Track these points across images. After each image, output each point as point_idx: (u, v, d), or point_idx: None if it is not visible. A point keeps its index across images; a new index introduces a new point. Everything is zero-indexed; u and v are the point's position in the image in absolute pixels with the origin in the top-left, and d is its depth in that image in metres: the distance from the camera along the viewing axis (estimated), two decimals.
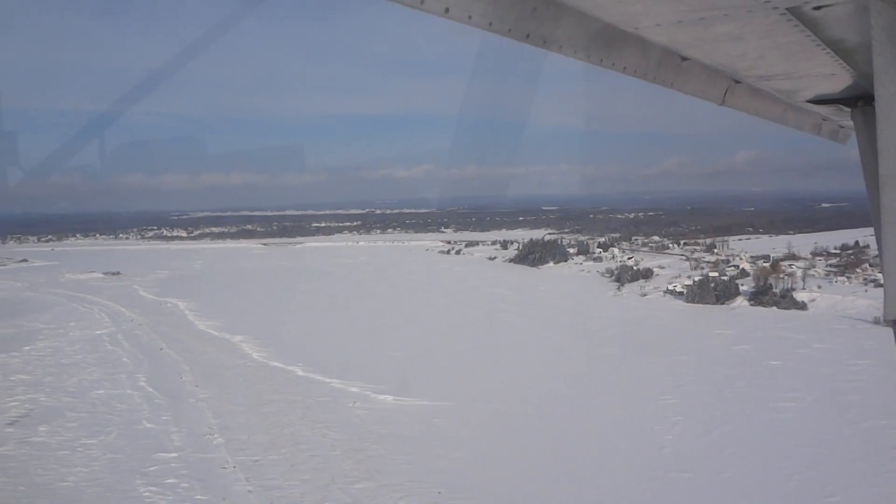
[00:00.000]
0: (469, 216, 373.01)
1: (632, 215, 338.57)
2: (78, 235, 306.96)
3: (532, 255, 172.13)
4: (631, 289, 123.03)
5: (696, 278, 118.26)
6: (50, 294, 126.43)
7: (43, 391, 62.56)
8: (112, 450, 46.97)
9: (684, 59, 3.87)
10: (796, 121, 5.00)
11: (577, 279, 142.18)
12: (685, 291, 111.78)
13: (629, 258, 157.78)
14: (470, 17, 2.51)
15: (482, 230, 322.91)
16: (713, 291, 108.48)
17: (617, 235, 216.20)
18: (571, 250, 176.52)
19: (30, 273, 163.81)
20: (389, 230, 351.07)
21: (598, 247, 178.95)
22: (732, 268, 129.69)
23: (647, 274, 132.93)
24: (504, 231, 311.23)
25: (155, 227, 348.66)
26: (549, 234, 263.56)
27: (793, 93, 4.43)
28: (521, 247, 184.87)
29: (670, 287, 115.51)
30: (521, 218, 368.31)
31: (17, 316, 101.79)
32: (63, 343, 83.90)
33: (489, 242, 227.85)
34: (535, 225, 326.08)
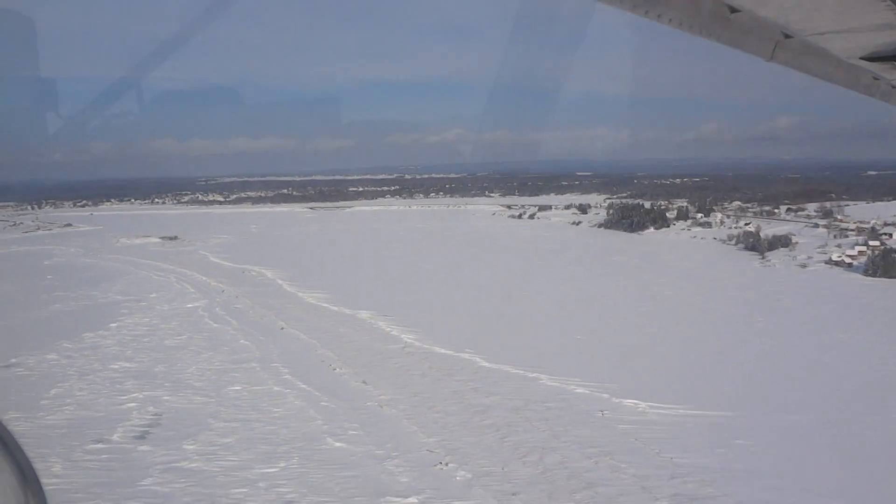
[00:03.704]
0: (505, 181, 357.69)
1: (677, 181, 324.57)
2: (113, 200, 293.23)
3: (627, 220, 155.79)
4: (776, 259, 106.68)
5: (859, 249, 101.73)
6: (111, 261, 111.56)
7: (161, 386, 47.41)
8: (313, 490, 31.64)
9: (734, 10, 3.62)
10: (847, 79, 4.28)
11: (695, 246, 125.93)
12: (855, 263, 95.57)
13: (746, 224, 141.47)
14: None
15: (530, 194, 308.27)
16: None
17: (684, 202, 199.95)
18: (670, 215, 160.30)
19: (80, 238, 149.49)
20: (432, 194, 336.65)
21: (697, 212, 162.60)
22: (885, 236, 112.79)
23: (785, 242, 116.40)
24: (552, 196, 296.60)
25: (189, 192, 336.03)
26: (607, 198, 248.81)
27: (846, 48, 3.93)
28: (611, 211, 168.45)
29: (835, 258, 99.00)
30: (563, 183, 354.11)
31: (87, 286, 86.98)
32: (154, 319, 68.85)
33: (561, 206, 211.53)
34: (580, 190, 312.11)
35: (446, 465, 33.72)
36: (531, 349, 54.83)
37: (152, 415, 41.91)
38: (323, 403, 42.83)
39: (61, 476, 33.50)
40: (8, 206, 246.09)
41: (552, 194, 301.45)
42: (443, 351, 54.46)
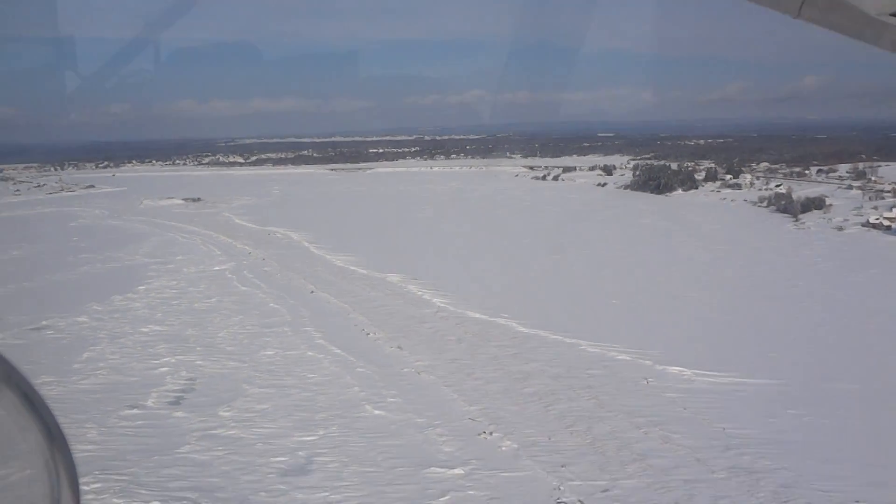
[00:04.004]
0: (526, 142, 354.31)
1: (701, 142, 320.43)
2: (134, 161, 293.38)
3: (654, 182, 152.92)
4: (811, 221, 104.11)
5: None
6: (136, 222, 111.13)
7: (193, 350, 46.66)
8: (355, 459, 30.71)
9: None
10: (876, 37, 3.79)
11: (725, 209, 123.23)
12: (893, 226, 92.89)
13: (777, 186, 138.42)
14: None
15: (552, 156, 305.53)
16: None
17: (710, 162, 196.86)
18: (697, 177, 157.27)
19: (103, 199, 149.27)
20: (453, 156, 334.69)
21: (726, 173, 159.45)
22: None
23: (819, 204, 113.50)
24: (575, 157, 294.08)
25: (209, 154, 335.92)
26: (630, 160, 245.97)
27: (875, 5, 3.58)
28: (638, 172, 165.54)
29: (872, 220, 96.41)
30: (585, 144, 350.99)
31: (113, 247, 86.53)
32: (182, 282, 68.18)
33: (585, 168, 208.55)
34: (603, 151, 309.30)
35: (490, 434, 32.65)
36: (567, 314, 53.57)
37: (186, 380, 41.16)
38: (359, 369, 41.84)
39: (97, 442, 32.84)
40: (31, 167, 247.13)
41: (574, 155, 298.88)
42: (477, 315, 53.25)
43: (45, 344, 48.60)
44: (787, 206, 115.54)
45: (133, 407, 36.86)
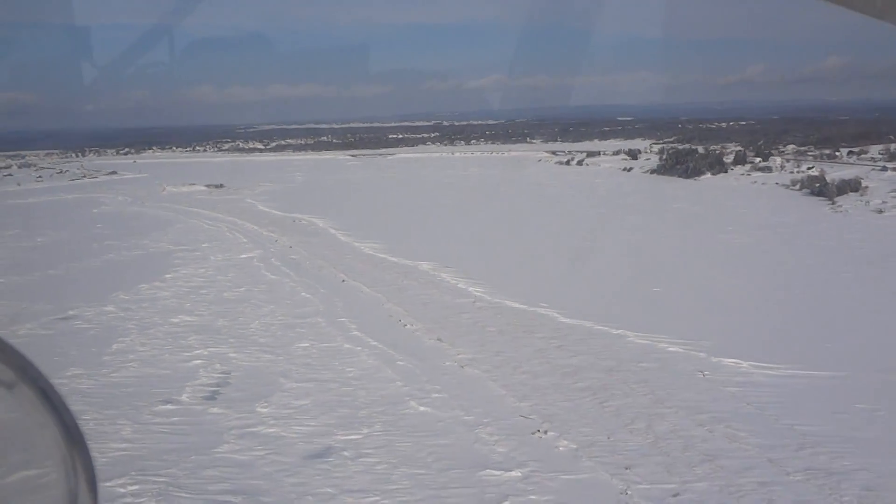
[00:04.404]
0: (545, 127, 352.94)
1: (723, 125, 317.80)
2: (155, 148, 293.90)
3: (682, 166, 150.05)
4: (848, 204, 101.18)
5: None
6: (159, 209, 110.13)
7: (226, 342, 45.12)
8: (404, 460, 28.97)
9: None
10: (891, 13, 3.38)
11: (757, 192, 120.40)
12: None
13: (809, 168, 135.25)
14: None
15: (572, 140, 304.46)
16: None
17: (735, 145, 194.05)
18: (726, 160, 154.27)
19: (126, 186, 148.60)
20: (473, 141, 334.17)
21: (755, 156, 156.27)
22: None
23: (854, 186, 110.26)
24: (596, 142, 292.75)
25: (229, 140, 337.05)
26: (653, 143, 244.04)
27: None
28: (664, 156, 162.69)
29: None
30: (605, 128, 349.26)
31: (137, 234, 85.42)
32: (209, 270, 66.83)
33: (609, 152, 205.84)
34: (623, 135, 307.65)
35: (545, 433, 30.79)
36: (608, 302, 51.48)
37: (220, 373, 39.59)
38: (399, 363, 40.09)
39: (131, 440, 31.31)
40: (53, 153, 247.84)
41: (595, 140, 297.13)
42: (516, 305, 51.34)
43: (74, 335, 47.32)
44: (821, 189, 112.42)
45: (167, 402, 35.32)
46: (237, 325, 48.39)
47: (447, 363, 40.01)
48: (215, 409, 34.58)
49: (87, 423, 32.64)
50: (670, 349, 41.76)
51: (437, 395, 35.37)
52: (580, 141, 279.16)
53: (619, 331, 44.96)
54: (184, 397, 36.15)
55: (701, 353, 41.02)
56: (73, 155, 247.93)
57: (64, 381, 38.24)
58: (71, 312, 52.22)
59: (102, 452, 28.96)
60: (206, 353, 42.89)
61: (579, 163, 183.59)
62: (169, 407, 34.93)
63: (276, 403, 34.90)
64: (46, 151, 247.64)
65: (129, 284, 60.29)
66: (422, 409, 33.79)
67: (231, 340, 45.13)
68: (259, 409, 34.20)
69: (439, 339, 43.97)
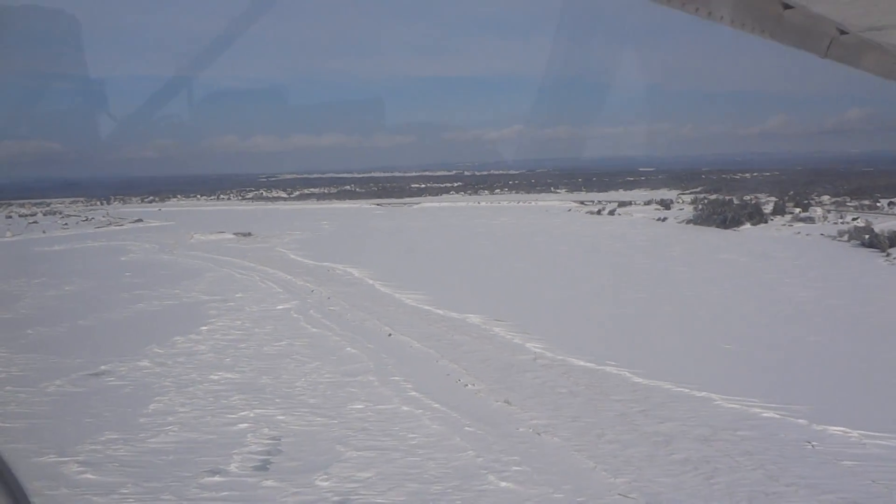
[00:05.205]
0: (568, 177, 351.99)
1: (747, 175, 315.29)
2: (179, 196, 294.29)
3: (720, 216, 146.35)
4: None
5: None
6: (188, 257, 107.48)
7: (272, 403, 41.39)
8: None
9: (786, 6, 3.59)
10: None
11: (803, 243, 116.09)
12: None
13: (854, 219, 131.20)
14: None
15: (597, 190, 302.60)
16: None
17: (765, 196, 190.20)
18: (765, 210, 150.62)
19: (152, 233, 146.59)
20: (497, 191, 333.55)
21: (795, 206, 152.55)
22: None
23: None
24: (620, 192, 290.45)
25: (253, 189, 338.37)
26: (680, 194, 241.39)
27: None
28: (700, 206, 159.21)
29: None
30: (629, 178, 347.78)
31: (168, 283, 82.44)
32: (246, 322, 63.45)
33: (640, 202, 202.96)
34: (648, 185, 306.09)
35: None
36: (681, 361, 47.51)
37: (269, 438, 35.80)
38: (467, 429, 36.15)
39: None
40: (78, 201, 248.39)
41: (620, 190, 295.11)
42: (582, 363, 47.35)
43: (106, 392, 43.84)
44: (871, 241, 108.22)
45: (214, 473, 31.53)
46: (282, 384, 44.70)
47: (520, 429, 36.04)
48: (269, 482, 30.72)
49: (127, 498, 28.93)
50: (764, 415, 37.55)
51: (516, 467, 31.35)
52: (604, 191, 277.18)
53: (703, 393, 40.83)
54: (232, 467, 32.34)
55: (801, 420, 36.80)
56: (98, 203, 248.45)
57: (97, 448, 34.57)
58: (103, 367, 48.82)
59: None
60: (251, 414, 39.18)
61: (611, 213, 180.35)
62: (217, 479, 31.12)
63: (337, 476, 31.01)
64: (72, 199, 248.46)
65: (162, 337, 56.99)
66: (503, 484, 29.77)
67: (277, 400, 41.41)
68: (318, 483, 30.32)
69: (507, 402, 40.03)
